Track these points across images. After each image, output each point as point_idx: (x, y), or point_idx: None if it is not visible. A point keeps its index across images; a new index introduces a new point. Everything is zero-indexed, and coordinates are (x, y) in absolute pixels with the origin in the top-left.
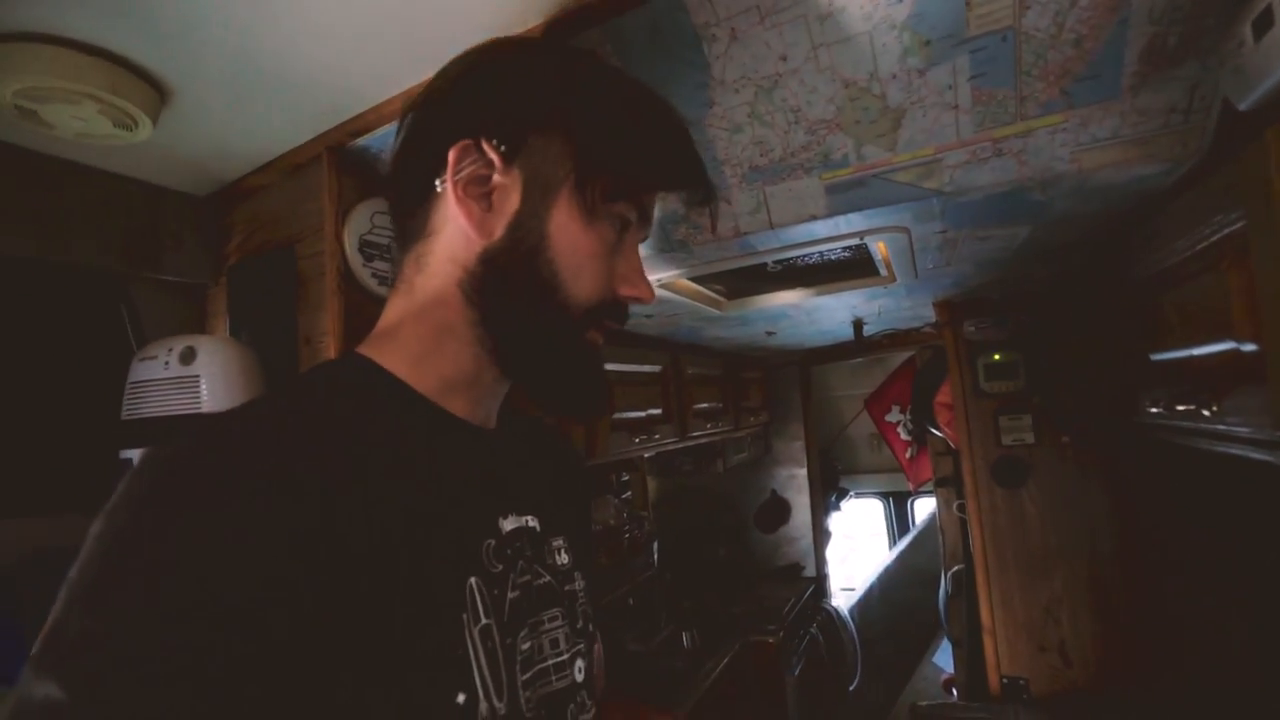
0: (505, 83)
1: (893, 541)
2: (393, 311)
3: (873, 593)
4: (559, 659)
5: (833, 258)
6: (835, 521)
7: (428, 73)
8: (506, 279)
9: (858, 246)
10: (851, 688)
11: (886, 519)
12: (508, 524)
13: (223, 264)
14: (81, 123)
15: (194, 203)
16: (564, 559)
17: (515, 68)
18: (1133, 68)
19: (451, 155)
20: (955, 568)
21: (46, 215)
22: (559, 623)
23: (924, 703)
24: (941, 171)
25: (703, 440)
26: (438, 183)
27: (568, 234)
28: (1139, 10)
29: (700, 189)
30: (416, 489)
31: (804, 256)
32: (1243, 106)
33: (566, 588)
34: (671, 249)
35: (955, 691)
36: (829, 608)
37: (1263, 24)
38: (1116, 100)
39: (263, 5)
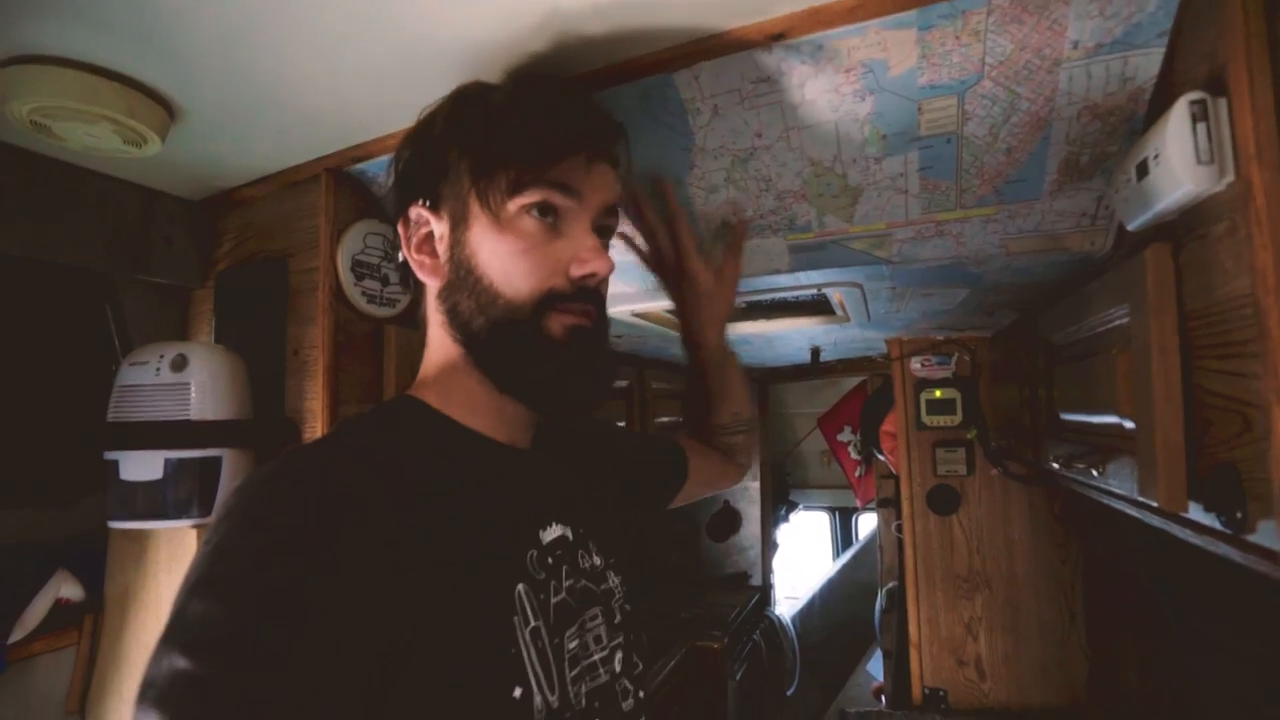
0: (414, 146)
1: (836, 554)
2: (423, 360)
3: (814, 603)
4: (602, 654)
5: (794, 299)
6: (783, 533)
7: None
8: (459, 307)
9: (817, 294)
10: (789, 693)
11: (832, 532)
12: (547, 535)
13: (211, 268)
14: (93, 139)
15: (187, 206)
16: (596, 561)
17: (419, 130)
18: (1052, 176)
19: (399, 229)
20: (890, 584)
21: (39, 214)
22: (599, 621)
23: (853, 710)
24: (891, 244)
25: None
26: (399, 255)
27: (485, 244)
28: (1057, 132)
29: (591, 143)
30: (466, 507)
31: (769, 298)
32: (1130, 227)
33: (602, 587)
34: (648, 287)
35: (884, 699)
36: (772, 616)
37: (1142, 170)
38: (1039, 200)
39: (276, 41)
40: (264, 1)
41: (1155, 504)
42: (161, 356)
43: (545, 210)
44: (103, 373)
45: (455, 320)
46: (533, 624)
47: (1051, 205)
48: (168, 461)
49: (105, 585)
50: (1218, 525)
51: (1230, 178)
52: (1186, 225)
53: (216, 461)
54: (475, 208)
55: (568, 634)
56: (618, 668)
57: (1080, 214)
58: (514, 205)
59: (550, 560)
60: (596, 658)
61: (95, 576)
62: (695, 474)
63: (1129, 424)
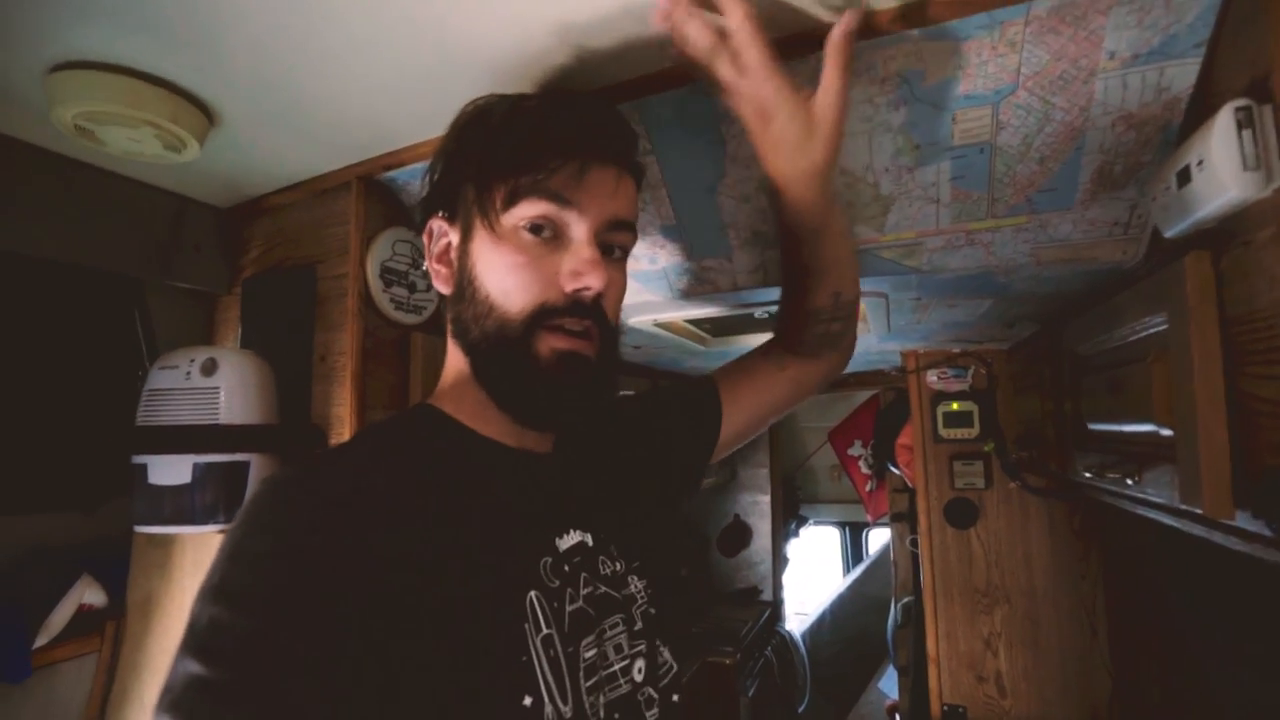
0: (436, 160)
1: (846, 569)
2: (444, 368)
3: (825, 619)
4: (623, 663)
5: None
6: (793, 547)
7: None
8: (462, 318)
9: None
10: (800, 709)
11: (842, 547)
12: (564, 542)
13: (237, 275)
14: (135, 144)
15: (216, 214)
16: (618, 566)
17: (442, 143)
18: (1085, 185)
19: (425, 240)
20: (905, 599)
21: (75, 219)
22: (620, 629)
23: None
24: (921, 253)
25: None
26: (424, 264)
27: (484, 257)
28: (1091, 141)
29: (587, 149)
30: (478, 514)
31: None
32: (1167, 234)
33: (623, 593)
34: (675, 297)
35: (899, 717)
36: (783, 631)
37: (1184, 177)
38: (1071, 210)
39: (314, 49)
40: (304, 11)
41: (1199, 511)
42: (192, 360)
43: (543, 223)
44: (129, 377)
45: (458, 330)
46: (545, 632)
47: (1084, 214)
48: (196, 465)
49: (128, 591)
50: (1267, 532)
51: (1277, 183)
52: (1228, 232)
53: (245, 466)
54: (476, 221)
55: (584, 643)
56: (638, 676)
57: (1112, 223)
58: (510, 218)
59: (566, 568)
60: (616, 667)
61: (118, 582)
62: (742, 405)
63: (1166, 432)
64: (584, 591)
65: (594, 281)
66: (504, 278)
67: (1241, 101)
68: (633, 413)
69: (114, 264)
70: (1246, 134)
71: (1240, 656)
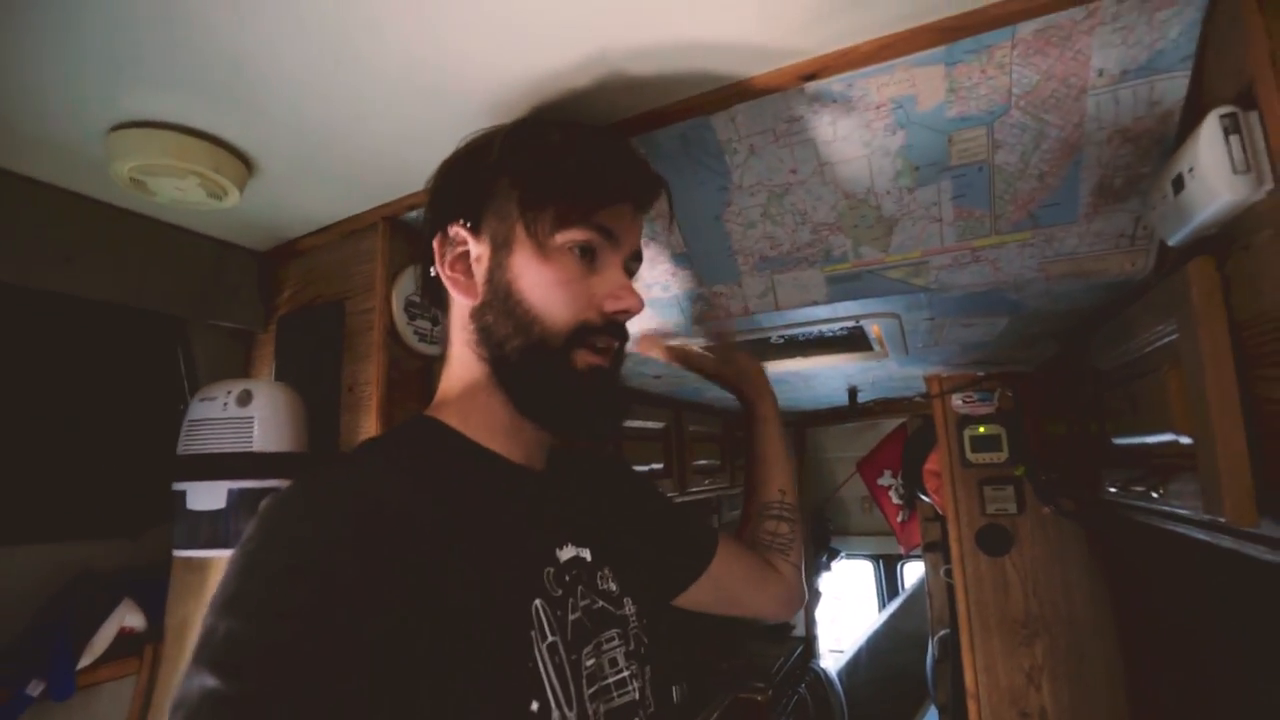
0: (461, 168)
1: (882, 604)
2: (443, 379)
3: (861, 655)
4: (619, 676)
5: (830, 334)
6: (826, 581)
7: None
8: (493, 328)
9: (854, 326)
10: None
11: (876, 581)
12: (564, 554)
13: (273, 313)
14: (181, 193)
15: (255, 257)
16: (613, 586)
17: (469, 153)
18: (1086, 199)
19: (435, 246)
20: (941, 632)
21: (127, 264)
22: (616, 643)
23: None
24: (928, 271)
25: (700, 495)
26: (431, 270)
27: (528, 272)
28: (1089, 156)
29: (637, 195)
30: (483, 523)
31: (805, 333)
32: (1170, 242)
33: (619, 612)
34: (688, 324)
35: None
36: (817, 668)
37: (1178, 184)
38: (1075, 224)
39: (349, 107)
40: (341, 66)
41: (1223, 520)
42: (229, 392)
43: (585, 248)
44: (171, 409)
45: (487, 340)
46: (550, 639)
47: (1088, 228)
48: (231, 491)
49: (166, 616)
50: None
51: (1269, 185)
52: (1228, 237)
53: None
54: (521, 235)
55: (584, 652)
56: (637, 696)
57: (1118, 235)
58: (559, 239)
59: (567, 578)
60: (612, 680)
61: (157, 607)
62: (725, 567)
63: (1185, 440)
64: (582, 604)
65: (634, 305)
66: (549, 293)
67: (1226, 109)
68: (626, 472)
69: (160, 304)
70: (1234, 139)
71: None
